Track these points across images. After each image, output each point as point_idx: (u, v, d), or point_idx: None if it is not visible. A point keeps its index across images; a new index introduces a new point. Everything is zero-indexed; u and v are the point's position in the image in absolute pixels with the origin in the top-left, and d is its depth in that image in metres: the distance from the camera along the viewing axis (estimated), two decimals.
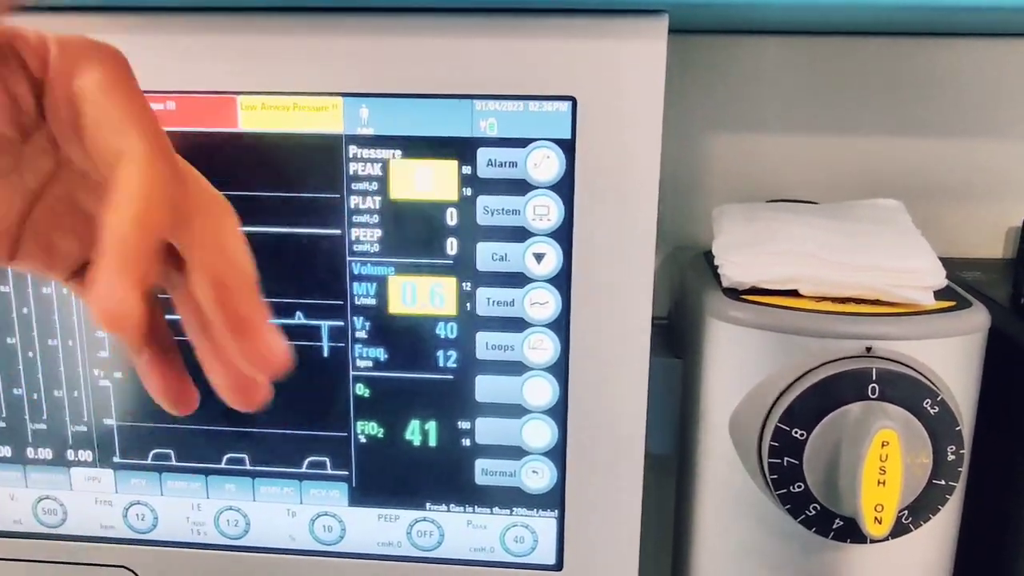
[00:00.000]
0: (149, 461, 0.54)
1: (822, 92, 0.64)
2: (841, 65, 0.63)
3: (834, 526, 0.45)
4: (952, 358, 0.45)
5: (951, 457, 0.43)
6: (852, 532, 0.44)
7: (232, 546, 0.54)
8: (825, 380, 0.43)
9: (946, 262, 0.48)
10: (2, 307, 0.52)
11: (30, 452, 0.54)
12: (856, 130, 0.64)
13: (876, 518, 0.42)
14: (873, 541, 0.43)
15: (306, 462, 0.53)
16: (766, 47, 0.63)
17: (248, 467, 0.53)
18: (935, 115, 0.63)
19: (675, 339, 0.60)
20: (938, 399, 0.43)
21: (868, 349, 0.44)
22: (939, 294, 0.47)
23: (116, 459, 0.54)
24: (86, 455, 0.54)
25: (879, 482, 0.42)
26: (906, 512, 0.44)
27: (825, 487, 0.44)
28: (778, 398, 0.45)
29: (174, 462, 0.53)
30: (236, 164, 0.49)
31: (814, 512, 0.44)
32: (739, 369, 0.47)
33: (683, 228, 0.66)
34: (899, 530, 0.44)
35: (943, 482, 0.44)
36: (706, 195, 0.66)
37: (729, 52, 0.63)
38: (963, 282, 0.55)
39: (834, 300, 0.47)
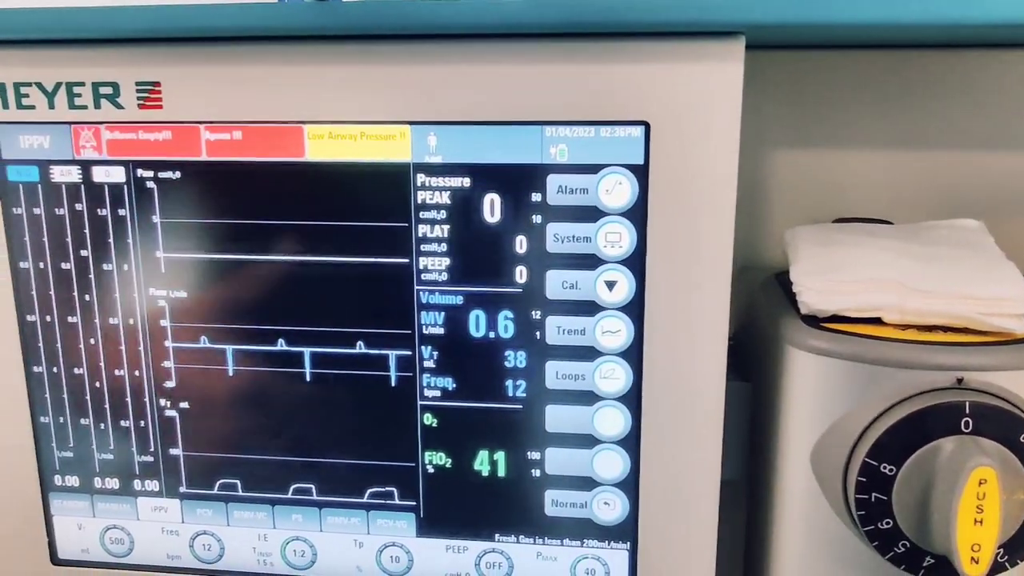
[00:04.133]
0: (215, 491, 0.53)
1: (893, 106, 0.62)
2: (913, 78, 0.61)
3: (925, 564, 0.43)
4: None
5: None
6: (944, 570, 0.42)
7: None
8: (915, 414, 0.42)
9: None
10: (70, 337, 0.52)
11: (97, 482, 0.54)
12: (927, 144, 0.62)
13: (973, 558, 0.40)
14: None
15: (373, 492, 0.52)
16: (836, 60, 0.62)
17: (315, 497, 0.52)
18: (1007, 128, 0.61)
19: (742, 361, 0.58)
20: None
21: (959, 380, 0.42)
22: None
23: (183, 489, 0.54)
24: (153, 485, 0.54)
25: (976, 521, 0.40)
26: (1002, 551, 0.42)
27: (915, 524, 0.42)
28: (864, 431, 0.43)
29: (240, 492, 0.53)
30: (303, 194, 0.48)
31: (903, 549, 0.43)
32: (821, 400, 0.45)
33: (749, 247, 0.64)
34: (995, 569, 0.42)
35: None
36: (771, 213, 0.64)
37: (797, 66, 0.62)
38: None
39: (919, 328, 0.45)
